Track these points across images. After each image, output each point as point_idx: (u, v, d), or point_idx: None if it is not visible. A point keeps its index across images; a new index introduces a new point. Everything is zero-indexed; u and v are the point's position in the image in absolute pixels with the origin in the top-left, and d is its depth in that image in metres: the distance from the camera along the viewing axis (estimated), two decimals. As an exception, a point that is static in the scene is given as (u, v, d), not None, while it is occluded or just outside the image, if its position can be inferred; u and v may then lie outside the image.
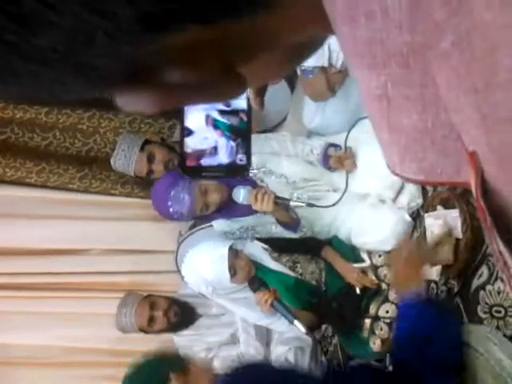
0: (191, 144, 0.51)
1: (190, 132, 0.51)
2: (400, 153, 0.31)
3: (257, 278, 1.85)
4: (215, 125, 0.51)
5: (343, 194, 1.74)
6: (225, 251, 1.91)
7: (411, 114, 0.28)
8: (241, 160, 0.51)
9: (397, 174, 0.33)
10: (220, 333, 2.31)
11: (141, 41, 0.24)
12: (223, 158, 0.52)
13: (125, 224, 2.81)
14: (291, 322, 1.77)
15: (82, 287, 2.85)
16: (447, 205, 1.76)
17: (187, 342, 2.32)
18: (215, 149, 0.51)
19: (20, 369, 2.85)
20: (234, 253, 1.96)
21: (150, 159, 2.15)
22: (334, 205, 1.78)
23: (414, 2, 0.22)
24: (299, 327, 1.76)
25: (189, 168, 0.52)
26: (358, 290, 1.98)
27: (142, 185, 2.55)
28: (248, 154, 0.52)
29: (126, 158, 2.16)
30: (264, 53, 0.30)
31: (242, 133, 0.52)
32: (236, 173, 0.52)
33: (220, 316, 2.34)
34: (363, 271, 2.00)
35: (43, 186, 2.61)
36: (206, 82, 0.28)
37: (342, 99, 2.12)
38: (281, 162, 2.05)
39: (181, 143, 0.52)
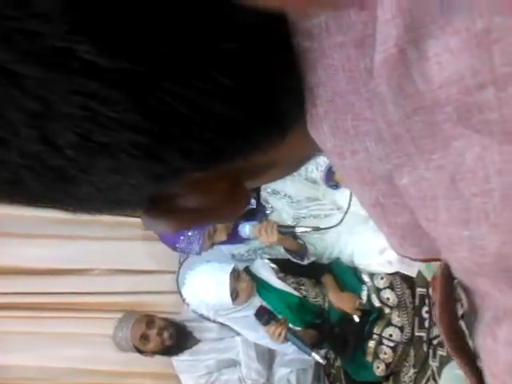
0: None
1: None
2: (399, 241, 0.35)
3: (265, 310, 1.84)
4: None
5: (347, 210, 1.75)
6: (226, 277, 1.92)
7: (404, 214, 0.32)
8: (252, 205, 0.52)
9: (400, 254, 0.37)
10: (220, 357, 2.29)
11: (163, 184, 0.28)
12: None
13: (125, 244, 2.80)
14: (309, 354, 1.77)
15: (81, 307, 2.83)
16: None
17: (186, 367, 2.30)
18: None
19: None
20: (235, 276, 1.96)
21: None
22: (339, 223, 1.79)
23: (384, 147, 0.27)
24: (317, 358, 1.76)
25: None
26: (356, 319, 1.98)
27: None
28: (258, 198, 0.52)
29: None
30: (272, 170, 0.34)
31: None
32: (248, 215, 0.53)
33: (219, 340, 2.33)
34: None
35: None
36: (215, 204, 0.31)
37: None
38: (285, 182, 2.07)
39: None
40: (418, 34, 0.22)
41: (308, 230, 1.83)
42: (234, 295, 1.95)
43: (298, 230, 1.85)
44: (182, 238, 1.92)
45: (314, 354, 1.75)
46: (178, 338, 2.24)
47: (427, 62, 0.22)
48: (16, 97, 0.22)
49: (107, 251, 2.78)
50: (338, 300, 1.99)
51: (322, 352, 1.86)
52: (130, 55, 0.22)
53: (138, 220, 2.69)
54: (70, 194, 0.27)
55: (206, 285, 1.95)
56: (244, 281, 1.98)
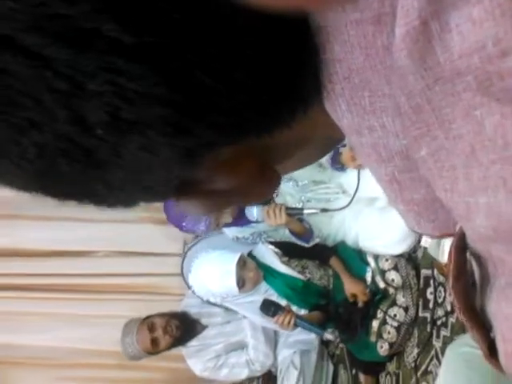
0: None
1: None
2: (415, 218, 0.36)
3: (270, 302, 1.84)
4: None
5: (355, 191, 1.75)
6: (232, 266, 1.93)
7: (420, 190, 0.32)
8: None
9: (416, 232, 0.38)
10: (227, 341, 2.32)
11: (192, 163, 0.28)
12: None
13: (131, 226, 2.82)
14: (320, 335, 1.79)
15: (87, 289, 2.86)
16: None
17: (195, 352, 2.33)
18: None
19: (25, 369, 2.86)
20: (241, 264, 1.97)
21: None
22: (348, 205, 1.79)
23: (402, 121, 0.28)
24: (329, 337, 1.78)
25: None
26: (360, 304, 2.00)
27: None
28: None
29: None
30: (299, 151, 0.34)
31: None
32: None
33: (226, 324, 2.35)
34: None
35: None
36: (244, 185, 0.31)
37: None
38: (290, 165, 2.06)
39: None
40: (440, 5, 0.23)
41: (315, 211, 1.84)
42: (241, 284, 1.97)
43: (306, 211, 1.85)
44: (188, 217, 1.93)
45: (325, 334, 1.77)
46: (184, 327, 2.27)
47: (449, 34, 0.23)
48: (48, 79, 0.22)
49: (113, 233, 2.80)
50: (351, 286, 2.01)
51: (330, 331, 1.88)
52: (153, 29, 0.22)
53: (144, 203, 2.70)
54: (101, 181, 0.27)
55: (212, 274, 1.96)
56: (251, 269, 1.99)
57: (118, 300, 2.82)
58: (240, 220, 2.03)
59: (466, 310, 0.35)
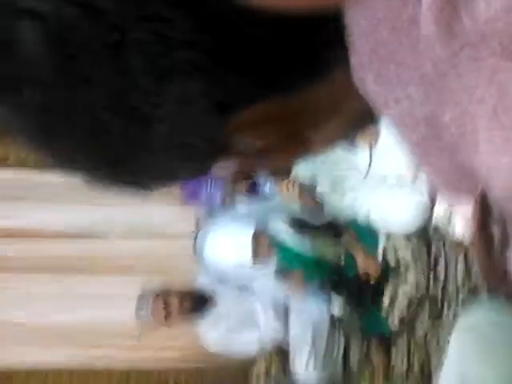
0: None
1: None
2: (441, 185, 0.37)
3: (283, 267, 1.88)
4: None
5: (368, 169, 1.76)
6: (247, 240, 1.97)
7: (443, 158, 0.34)
8: None
9: (440, 193, 0.39)
10: (239, 317, 2.35)
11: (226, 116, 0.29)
12: None
13: (141, 208, 2.84)
14: (327, 303, 1.81)
15: (98, 270, 2.90)
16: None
17: (208, 328, 2.36)
18: None
19: (34, 347, 2.90)
20: (256, 238, 2.00)
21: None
22: (364, 178, 1.79)
23: (427, 90, 0.29)
24: (335, 309, 1.81)
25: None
26: (372, 281, 2.02)
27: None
28: None
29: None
30: (329, 118, 0.35)
31: None
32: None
33: (237, 302, 2.38)
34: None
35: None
36: (274, 148, 0.33)
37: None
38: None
39: None
40: None
41: (327, 189, 1.85)
42: (255, 257, 1.99)
43: (318, 188, 1.87)
44: (204, 193, 1.95)
45: (332, 304, 1.80)
46: (197, 304, 2.31)
47: (474, 0, 0.24)
48: (98, 31, 0.24)
49: (123, 215, 2.83)
50: (364, 263, 2.03)
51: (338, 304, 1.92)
52: None
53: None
54: (144, 141, 0.28)
55: (227, 246, 2.00)
56: (264, 243, 2.02)
57: (129, 282, 2.85)
58: (252, 195, 2.05)
59: (489, 267, 0.37)
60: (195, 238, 2.39)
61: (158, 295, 2.28)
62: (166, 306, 2.24)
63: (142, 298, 2.31)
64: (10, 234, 2.83)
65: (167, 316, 2.24)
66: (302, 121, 0.33)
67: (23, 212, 2.81)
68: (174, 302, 2.26)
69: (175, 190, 2.24)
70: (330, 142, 0.42)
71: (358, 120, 0.41)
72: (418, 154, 0.35)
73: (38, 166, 2.59)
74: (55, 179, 2.65)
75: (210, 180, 1.99)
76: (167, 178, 0.33)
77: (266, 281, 2.05)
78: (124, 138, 0.28)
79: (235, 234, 2.01)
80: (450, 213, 1.88)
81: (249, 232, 1.98)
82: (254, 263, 1.99)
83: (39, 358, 2.88)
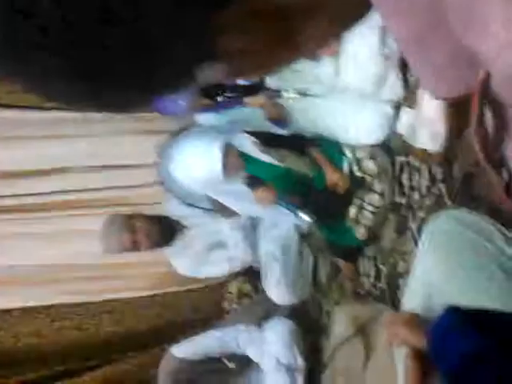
0: None
1: None
2: (436, 81, 0.37)
3: (254, 178, 1.88)
4: None
5: (335, 76, 1.75)
6: (216, 150, 1.93)
7: (445, 46, 0.34)
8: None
9: (432, 95, 0.40)
10: (207, 240, 2.36)
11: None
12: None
13: (104, 140, 2.77)
14: (295, 213, 1.83)
15: (63, 206, 2.85)
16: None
17: (177, 252, 2.37)
18: None
19: (9, 288, 2.88)
20: (226, 151, 1.97)
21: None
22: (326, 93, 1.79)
23: None
24: (304, 217, 1.83)
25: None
26: (340, 191, 2.04)
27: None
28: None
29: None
30: (316, 13, 0.34)
31: None
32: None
33: (205, 224, 2.39)
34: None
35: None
36: (264, 47, 0.32)
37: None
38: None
39: None
40: None
41: (295, 95, 1.83)
42: (225, 169, 1.97)
43: (284, 94, 1.85)
44: (167, 99, 1.90)
45: (300, 214, 1.82)
46: (165, 230, 2.30)
47: None
48: None
49: (87, 148, 2.76)
50: (332, 174, 2.04)
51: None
52: None
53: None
54: (145, 40, 0.28)
55: (196, 159, 1.96)
56: (233, 155, 2.00)
57: (94, 215, 2.81)
58: (216, 105, 2.00)
59: (487, 154, 0.38)
60: (161, 153, 2.34)
61: (126, 220, 2.26)
62: (134, 233, 2.22)
63: (109, 225, 2.28)
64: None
65: (134, 245, 2.23)
66: (288, 17, 0.32)
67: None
68: (142, 226, 2.24)
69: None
70: (321, 41, 0.40)
71: (348, 14, 0.39)
72: (412, 50, 0.35)
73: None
74: (10, 114, 2.55)
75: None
76: (154, 88, 0.32)
77: (237, 195, 2.05)
78: (120, 46, 0.28)
79: (203, 148, 1.97)
80: (414, 124, 1.90)
81: (217, 144, 1.94)
82: (225, 176, 1.97)
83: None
